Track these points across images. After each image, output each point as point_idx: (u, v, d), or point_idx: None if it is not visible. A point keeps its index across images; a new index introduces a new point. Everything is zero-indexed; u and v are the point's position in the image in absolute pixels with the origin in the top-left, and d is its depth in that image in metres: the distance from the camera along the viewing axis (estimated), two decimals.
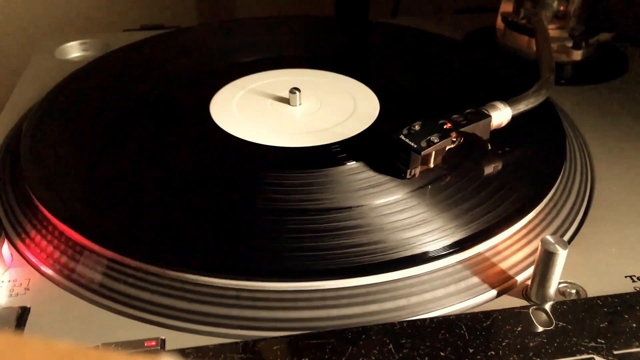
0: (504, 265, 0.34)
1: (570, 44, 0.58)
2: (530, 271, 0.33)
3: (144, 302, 0.32)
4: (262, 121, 0.45)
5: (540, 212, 0.38)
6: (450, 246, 0.34)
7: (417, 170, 0.38)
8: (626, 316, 0.30)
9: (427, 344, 0.29)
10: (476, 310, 0.32)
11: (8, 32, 0.84)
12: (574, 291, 0.33)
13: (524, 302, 0.32)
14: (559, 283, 0.32)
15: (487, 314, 0.30)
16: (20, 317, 0.31)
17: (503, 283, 0.33)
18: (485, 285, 0.33)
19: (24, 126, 0.45)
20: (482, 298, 0.33)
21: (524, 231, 0.36)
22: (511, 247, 0.35)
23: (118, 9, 0.86)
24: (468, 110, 0.40)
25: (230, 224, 0.35)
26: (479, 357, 0.28)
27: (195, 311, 0.31)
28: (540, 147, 0.43)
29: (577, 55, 0.58)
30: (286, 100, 0.48)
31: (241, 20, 0.72)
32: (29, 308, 0.32)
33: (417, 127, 0.38)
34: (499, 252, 0.35)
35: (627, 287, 0.33)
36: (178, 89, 0.50)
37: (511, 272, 0.34)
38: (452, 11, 0.75)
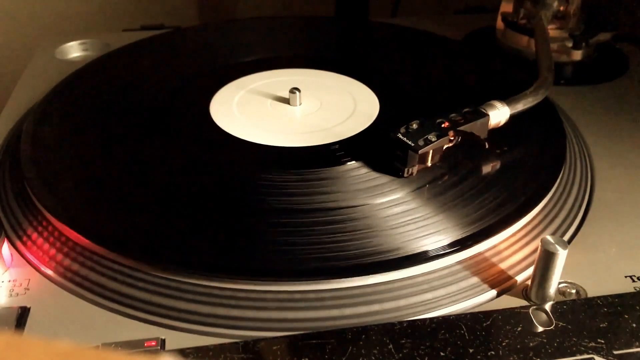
0: (503, 265, 0.34)
1: (570, 44, 0.58)
2: (530, 271, 0.33)
3: (144, 302, 0.32)
4: (262, 121, 0.45)
5: (540, 212, 0.38)
6: (450, 246, 0.34)
7: (415, 169, 0.38)
8: (626, 316, 0.30)
9: (427, 344, 0.29)
10: (476, 310, 0.32)
11: (8, 32, 0.84)
12: (574, 291, 0.33)
13: (524, 302, 0.32)
14: (559, 283, 0.32)
15: (487, 314, 0.30)
16: (20, 317, 0.31)
17: (503, 283, 0.33)
18: (485, 285, 0.33)
19: (24, 126, 0.45)
20: (482, 298, 0.33)
21: (524, 231, 0.36)
22: (511, 247, 0.35)
23: (118, 9, 0.86)
24: (466, 110, 0.40)
25: (230, 225, 0.35)
26: (479, 357, 0.28)
27: (195, 311, 0.31)
28: (540, 147, 0.43)
29: (577, 55, 0.58)
30: (286, 100, 0.48)
31: (241, 20, 0.72)
32: (29, 308, 0.32)
33: (414, 126, 0.38)
34: (498, 252, 0.35)
35: (627, 287, 0.33)
36: (178, 89, 0.50)
37: (511, 272, 0.34)
38: (452, 11, 0.75)
